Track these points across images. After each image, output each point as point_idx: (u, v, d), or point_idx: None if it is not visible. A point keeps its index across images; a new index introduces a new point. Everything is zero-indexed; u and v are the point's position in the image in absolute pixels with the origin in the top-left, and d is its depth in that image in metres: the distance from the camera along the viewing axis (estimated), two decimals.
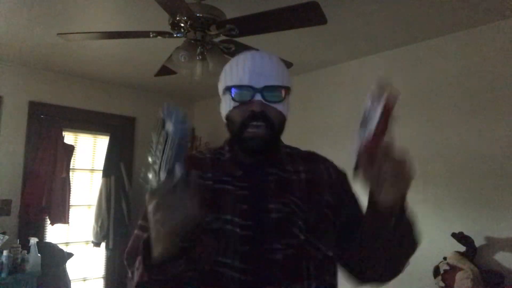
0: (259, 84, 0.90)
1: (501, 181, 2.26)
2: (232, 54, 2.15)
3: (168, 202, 0.69)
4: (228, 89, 0.94)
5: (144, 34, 2.01)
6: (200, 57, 2.00)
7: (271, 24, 1.92)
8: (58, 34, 2.16)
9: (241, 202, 0.89)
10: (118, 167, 3.80)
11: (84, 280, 3.72)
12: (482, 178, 2.34)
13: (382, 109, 0.81)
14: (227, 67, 0.99)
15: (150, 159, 0.72)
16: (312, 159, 1.02)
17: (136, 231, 0.95)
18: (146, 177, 0.73)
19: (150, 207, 0.70)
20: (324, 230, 0.91)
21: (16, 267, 2.67)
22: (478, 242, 2.25)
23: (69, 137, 3.63)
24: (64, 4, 2.24)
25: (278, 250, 0.85)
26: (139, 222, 0.95)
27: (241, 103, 0.92)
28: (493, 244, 2.25)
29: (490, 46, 2.39)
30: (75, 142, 3.72)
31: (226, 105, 0.96)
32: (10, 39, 2.79)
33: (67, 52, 3.03)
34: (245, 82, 0.91)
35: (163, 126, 0.71)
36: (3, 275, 2.57)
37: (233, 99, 0.93)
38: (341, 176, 1.01)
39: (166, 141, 0.70)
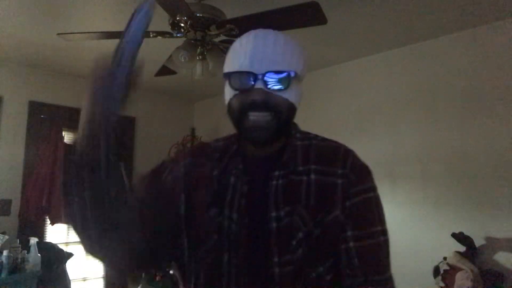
0: (260, 70, 0.79)
1: (500, 181, 2.26)
2: None
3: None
4: (227, 75, 0.84)
5: (144, 34, 2.00)
6: (200, 57, 2.00)
7: (271, 24, 1.90)
8: (58, 34, 2.16)
9: (241, 198, 0.83)
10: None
11: (84, 280, 3.72)
12: (482, 178, 2.34)
13: None
14: (230, 49, 0.88)
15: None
16: (332, 156, 0.85)
17: None
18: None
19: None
20: (326, 249, 0.80)
21: (16, 267, 2.67)
22: (478, 242, 2.26)
23: (69, 137, 3.62)
24: (64, 4, 2.24)
25: (275, 265, 0.78)
26: None
27: (242, 91, 0.82)
28: (493, 244, 2.25)
29: (490, 46, 2.39)
30: None
31: (227, 92, 0.86)
32: (10, 39, 2.79)
33: (67, 52, 3.02)
34: (245, 67, 0.80)
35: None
36: (3, 275, 2.56)
37: (232, 86, 0.83)
38: (361, 179, 0.83)
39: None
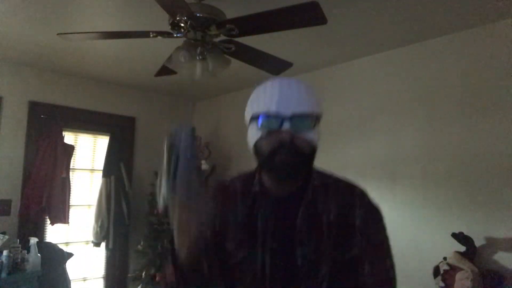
0: (287, 112, 0.85)
1: (501, 181, 2.26)
2: (232, 54, 2.15)
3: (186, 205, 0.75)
4: (255, 117, 0.90)
5: (144, 34, 2.00)
6: (200, 57, 2.00)
7: (271, 24, 1.92)
8: (58, 34, 2.16)
9: (268, 239, 0.88)
10: (118, 167, 3.80)
11: (84, 280, 3.72)
12: (483, 178, 2.34)
13: None
14: (253, 94, 0.95)
15: (162, 178, 0.79)
16: (348, 197, 0.93)
17: None
18: (161, 192, 0.80)
19: (171, 208, 0.76)
20: (346, 282, 0.88)
21: (16, 267, 2.67)
22: (478, 242, 2.25)
23: (69, 137, 3.63)
24: (64, 4, 2.24)
25: None
26: None
27: (269, 132, 0.87)
28: (493, 244, 2.25)
29: (491, 47, 2.39)
30: (75, 142, 3.72)
31: (253, 134, 0.92)
32: (10, 39, 2.79)
33: (67, 52, 3.03)
34: (273, 110, 0.86)
35: (171, 146, 0.78)
36: (3, 275, 2.56)
37: (260, 128, 0.88)
38: (375, 222, 0.92)
39: (173, 154, 0.77)
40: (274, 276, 0.86)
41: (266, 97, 0.88)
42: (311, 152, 0.90)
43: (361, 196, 0.93)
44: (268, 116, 0.87)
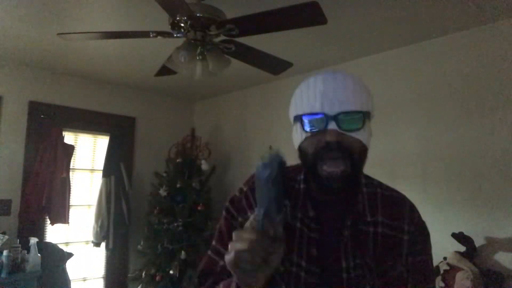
0: (333, 111, 0.78)
1: (501, 181, 2.26)
2: (232, 54, 2.15)
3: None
4: (298, 117, 0.83)
5: (144, 34, 2.00)
6: (200, 57, 2.00)
7: (271, 24, 1.92)
8: (58, 34, 2.16)
9: (311, 246, 0.83)
10: (118, 167, 3.79)
11: (84, 280, 3.72)
12: (482, 178, 2.34)
13: None
14: (297, 92, 0.87)
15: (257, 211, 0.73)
16: (398, 210, 0.87)
17: (210, 253, 0.94)
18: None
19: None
20: None
21: (16, 267, 2.67)
22: (478, 242, 2.26)
23: (69, 137, 3.63)
24: (64, 4, 2.24)
25: None
26: (214, 243, 0.95)
27: (314, 133, 0.80)
28: (493, 244, 2.25)
29: (490, 47, 2.39)
30: (75, 142, 3.72)
31: (297, 135, 0.85)
32: (10, 39, 2.79)
33: (67, 52, 3.03)
34: (317, 109, 0.79)
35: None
36: (3, 275, 2.56)
37: (304, 128, 0.81)
38: (423, 239, 0.87)
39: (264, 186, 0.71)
40: (314, 283, 0.81)
41: (310, 95, 0.81)
42: (361, 153, 0.82)
43: (412, 211, 0.88)
44: (312, 116, 0.80)
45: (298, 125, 0.83)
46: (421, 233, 0.87)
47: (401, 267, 0.82)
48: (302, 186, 0.89)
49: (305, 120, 0.81)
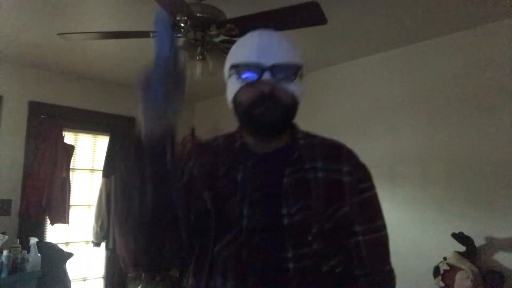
0: (268, 62, 0.81)
1: (501, 181, 2.26)
2: None
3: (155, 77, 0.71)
4: (234, 67, 0.85)
5: (144, 34, 2.00)
6: (200, 57, 2.00)
7: (271, 24, 1.90)
8: (58, 34, 2.16)
9: (252, 194, 0.83)
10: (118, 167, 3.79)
11: (84, 280, 3.72)
12: (482, 178, 2.34)
13: None
14: (233, 46, 0.91)
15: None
16: (336, 154, 0.89)
17: None
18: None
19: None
20: (337, 243, 0.83)
21: (16, 267, 2.67)
22: (478, 242, 2.25)
23: (69, 137, 3.63)
24: (64, 4, 2.24)
25: (289, 259, 0.79)
26: None
27: (249, 83, 0.83)
28: (493, 244, 2.25)
29: (490, 47, 2.39)
30: (75, 142, 3.72)
31: (232, 87, 0.86)
32: (10, 39, 2.79)
33: (67, 52, 3.02)
34: (253, 59, 0.82)
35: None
36: (3, 275, 2.56)
37: (239, 78, 0.83)
38: (364, 177, 0.89)
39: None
40: (253, 229, 0.81)
41: (246, 47, 0.85)
42: (293, 104, 0.85)
43: (349, 154, 0.90)
44: (247, 66, 0.83)
45: (234, 75, 0.85)
46: (363, 172, 0.89)
47: (345, 207, 0.84)
48: (238, 142, 0.91)
49: (241, 69, 0.84)
